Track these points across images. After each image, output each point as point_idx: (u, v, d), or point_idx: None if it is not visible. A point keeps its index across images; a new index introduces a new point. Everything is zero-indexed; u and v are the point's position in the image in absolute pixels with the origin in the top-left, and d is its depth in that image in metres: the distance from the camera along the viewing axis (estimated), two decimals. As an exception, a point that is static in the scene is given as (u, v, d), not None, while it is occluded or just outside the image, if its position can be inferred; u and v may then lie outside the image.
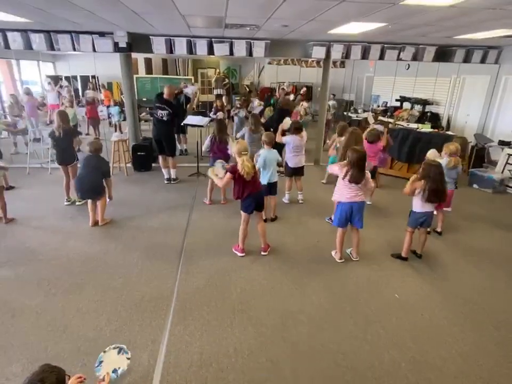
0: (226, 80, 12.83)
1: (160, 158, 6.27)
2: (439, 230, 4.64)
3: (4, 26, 5.83)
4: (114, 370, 2.11)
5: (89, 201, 4.58)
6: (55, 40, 6.13)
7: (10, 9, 4.42)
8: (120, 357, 2.22)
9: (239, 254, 3.92)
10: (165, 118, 5.95)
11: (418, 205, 3.72)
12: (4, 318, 2.86)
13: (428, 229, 4.43)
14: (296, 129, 5.17)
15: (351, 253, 3.96)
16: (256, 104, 8.99)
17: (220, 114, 7.52)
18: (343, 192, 3.66)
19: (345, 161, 3.68)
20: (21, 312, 2.94)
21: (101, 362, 2.16)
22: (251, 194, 3.70)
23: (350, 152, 3.56)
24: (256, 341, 2.69)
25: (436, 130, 7.26)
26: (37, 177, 6.56)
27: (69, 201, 5.26)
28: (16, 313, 2.92)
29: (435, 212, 4.59)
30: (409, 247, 3.90)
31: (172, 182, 6.36)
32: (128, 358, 2.22)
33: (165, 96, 5.98)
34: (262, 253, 3.96)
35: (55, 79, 11.97)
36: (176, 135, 7.20)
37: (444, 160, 4.30)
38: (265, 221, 4.72)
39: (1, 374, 2.34)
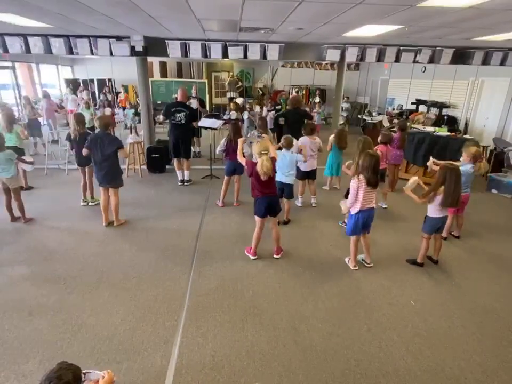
0: (240, 83, 12.89)
1: (175, 160, 6.34)
2: (456, 234, 4.54)
3: (26, 32, 6.01)
4: None
5: (102, 197, 4.58)
6: (74, 45, 6.28)
7: (35, 16, 4.56)
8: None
9: (252, 257, 3.91)
10: (183, 121, 6.03)
11: (434, 210, 3.62)
12: (21, 316, 2.93)
13: (445, 234, 4.35)
14: (311, 130, 5.22)
15: (364, 260, 3.88)
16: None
17: (233, 114, 7.62)
18: (361, 200, 3.52)
19: (357, 177, 3.53)
20: (37, 310, 2.99)
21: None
22: (263, 195, 3.69)
23: (363, 156, 3.48)
24: (268, 344, 2.67)
25: (453, 134, 7.11)
26: (54, 178, 6.71)
27: (85, 201, 5.36)
28: (33, 311, 2.98)
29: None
30: (425, 253, 3.81)
31: (185, 183, 6.41)
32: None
33: (179, 98, 6.10)
34: (275, 256, 3.94)
35: (74, 83, 12.30)
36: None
37: (468, 166, 4.11)
38: (277, 223, 4.69)
39: (18, 371, 2.39)
